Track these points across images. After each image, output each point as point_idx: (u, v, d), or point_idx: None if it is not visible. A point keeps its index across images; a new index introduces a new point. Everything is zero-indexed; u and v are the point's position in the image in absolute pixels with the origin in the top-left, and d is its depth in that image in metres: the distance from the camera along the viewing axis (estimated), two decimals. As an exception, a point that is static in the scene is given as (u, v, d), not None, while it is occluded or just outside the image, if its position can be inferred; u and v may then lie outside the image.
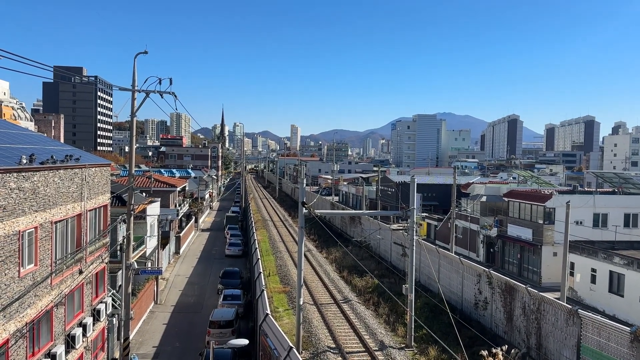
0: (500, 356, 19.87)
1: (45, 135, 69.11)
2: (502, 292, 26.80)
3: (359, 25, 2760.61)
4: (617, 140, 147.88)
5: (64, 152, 21.45)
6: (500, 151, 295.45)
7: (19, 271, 15.74)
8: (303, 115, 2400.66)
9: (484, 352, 20.03)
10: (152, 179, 50.43)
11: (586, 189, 71.96)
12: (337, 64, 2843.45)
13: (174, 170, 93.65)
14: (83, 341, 20.90)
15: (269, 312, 22.94)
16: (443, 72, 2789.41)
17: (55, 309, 18.55)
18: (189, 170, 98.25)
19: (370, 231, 51.43)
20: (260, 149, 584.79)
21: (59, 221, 18.82)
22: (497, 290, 27.43)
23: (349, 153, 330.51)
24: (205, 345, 26.98)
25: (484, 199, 51.74)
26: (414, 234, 27.15)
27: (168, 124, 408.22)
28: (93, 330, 22.35)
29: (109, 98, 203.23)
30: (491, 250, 48.08)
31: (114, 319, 26.97)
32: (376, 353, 24.73)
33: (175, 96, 21.95)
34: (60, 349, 18.34)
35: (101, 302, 23.91)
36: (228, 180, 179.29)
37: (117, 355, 26.92)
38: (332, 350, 24.99)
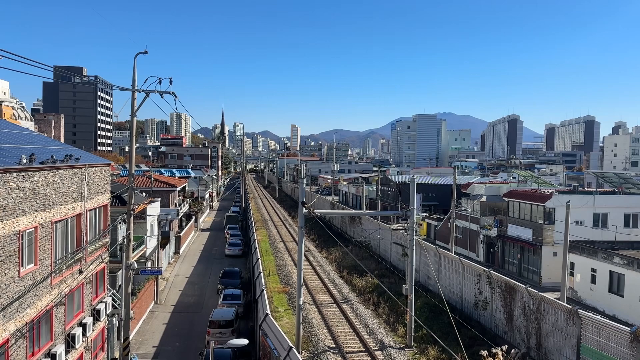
0: (500, 356, 19.90)
1: (45, 135, 69.14)
2: (502, 292, 26.80)
3: (359, 25, 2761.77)
4: (617, 140, 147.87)
5: (64, 152, 21.45)
6: (500, 151, 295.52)
7: (19, 271, 15.74)
8: (303, 115, 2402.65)
9: (484, 352, 20.07)
10: (152, 179, 50.41)
11: (586, 189, 71.96)
12: (337, 64, 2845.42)
13: (174, 170, 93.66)
14: (83, 341, 20.90)
15: (268, 312, 22.94)
16: (443, 72, 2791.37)
17: (55, 309, 18.55)
18: (189, 170, 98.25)
19: (370, 231, 51.44)
20: (260, 149, 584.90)
21: (59, 221, 18.82)
22: (497, 290, 27.43)
23: (349, 153, 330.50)
24: (205, 345, 26.98)
25: (484, 199, 51.75)
26: (414, 234, 27.14)
27: (168, 123, 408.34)
28: (93, 330, 22.35)
29: (109, 98, 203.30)
30: (491, 250, 48.08)
31: (114, 319, 26.98)
32: (376, 353, 24.74)
33: (175, 96, 21.96)
34: (60, 349, 18.34)
35: (101, 302, 23.91)
36: (228, 180, 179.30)
37: (117, 355, 26.92)
38: (332, 350, 24.99)
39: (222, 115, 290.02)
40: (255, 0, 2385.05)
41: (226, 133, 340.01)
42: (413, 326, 26.28)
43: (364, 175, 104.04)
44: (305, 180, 26.72)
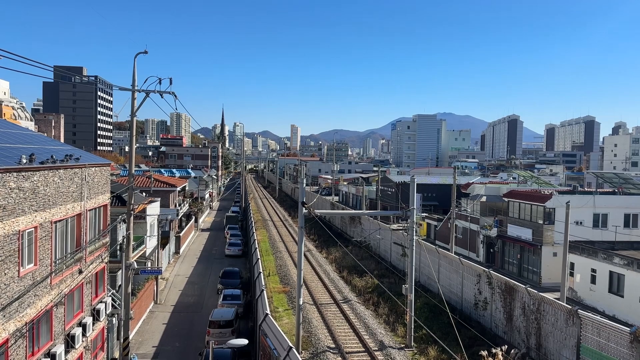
0: (500, 356, 19.90)
1: (45, 135, 69.16)
2: (502, 293, 26.79)
3: (359, 25, 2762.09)
4: (617, 140, 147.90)
5: (64, 151, 21.45)
6: (500, 151, 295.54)
7: (18, 271, 15.73)
8: (303, 115, 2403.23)
9: (484, 352, 20.07)
10: (152, 179, 50.40)
11: (586, 189, 71.97)
12: (337, 64, 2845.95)
13: (174, 170, 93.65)
14: (83, 341, 20.90)
15: (268, 312, 22.94)
16: (443, 72, 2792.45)
17: (54, 309, 18.55)
18: (189, 170, 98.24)
19: (370, 231, 51.44)
20: (260, 149, 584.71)
21: (59, 221, 18.82)
22: (497, 291, 27.43)
23: (349, 153, 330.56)
24: (205, 345, 26.98)
25: (484, 199, 51.75)
26: (414, 234, 27.14)
27: (168, 123, 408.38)
28: (93, 330, 22.35)
29: (109, 98, 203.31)
30: (491, 250, 48.08)
31: (114, 319, 26.98)
32: (376, 353, 24.74)
33: (175, 96, 21.95)
34: (60, 349, 18.34)
35: (101, 302, 23.91)
36: (228, 180, 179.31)
37: (116, 355, 26.92)
38: (331, 350, 24.99)
39: (222, 115, 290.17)
40: (255, 0, 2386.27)
41: (226, 133, 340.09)
42: (413, 326, 26.28)
43: (364, 176, 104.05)
44: (305, 180, 26.72)
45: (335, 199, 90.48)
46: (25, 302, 16.24)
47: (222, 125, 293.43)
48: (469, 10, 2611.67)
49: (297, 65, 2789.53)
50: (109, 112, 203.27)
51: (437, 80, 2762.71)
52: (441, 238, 54.89)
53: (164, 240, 45.12)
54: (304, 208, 24.95)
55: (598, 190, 58.11)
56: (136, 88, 21.81)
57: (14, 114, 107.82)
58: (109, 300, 25.21)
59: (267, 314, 22.32)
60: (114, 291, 28.06)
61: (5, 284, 14.92)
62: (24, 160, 16.15)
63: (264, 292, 25.83)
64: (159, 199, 43.96)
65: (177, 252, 55.00)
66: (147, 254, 36.71)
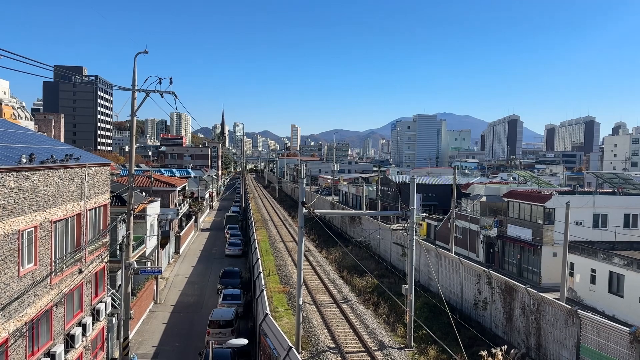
0: (500, 356, 19.90)
1: (45, 134, 69.17)
2: (502, 293, 26.80)
3: (359, 25, 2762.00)
4: (617, 140, 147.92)
5: (64, 151, 21.45)
6: (500, 151, 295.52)
7: (18, 270, 15.74)
8: (303, 115, 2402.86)
9: (484, 353, 20.08)
10: (152, 179, 50.40)
11: (586, 189, 71.99)
12: (337, 64, 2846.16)
13: (174, 170, 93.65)
14: (82, 341, 20.90)
15: (268, 311, 22.94)
16: (443, 72, 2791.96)
17: (54, 309, 18.55)
18: (189, 170, 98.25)
19: (370, 231, 51.45)
20: (260, 149, 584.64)
21: (59, 220, 18.82)
22: (496, 291, 27.43)
23: (349, 153, 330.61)
24: (204, 345, 26.98)
25: (483, 199, 51.75)
26: (414, 234, 27.15)
27: (168, 123, 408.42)
28: (92, 329, 22.35)
29: (109, 97, 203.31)
30: (491, 250, 48.08)
31: (114, 319, 26.98)
32: (376, 353, 24.74)
33: (176, 96, 21.95)
34: (59, 349, 18.34)
35: (101, 302, 23.91)
36: (228, 180, 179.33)
37: (116, 354, 26.92)
38: (331, 350, 24.99)
39: (222, 115, 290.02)
40: (255, 0, 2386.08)
41: (226, 133, 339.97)
42: (413, 326, 26.28)
43: (364, 176, 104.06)
44: (305, 180, 26.72)
45: (335, 199, 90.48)
46: (25, 301, 16.24)
47: (222, 125, 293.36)
48: (469, 10, 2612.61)
49: (297, 65, 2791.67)
50: (109, 112, 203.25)
51: (437, 80, 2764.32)
52: (441, 238, 54.89)
53: (163, 240, 45.12)
54: (304, 208, 24.96)
55: (598, 190, 58.12)
56: (136, 88, 21.81)
57: (14, 114, 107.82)
58: (108, 300, 25.21)
59: (267, 314, 22.32)
60: (114, 291, 28.05)
61: (5, 284, 14.92)
62: (24, 160, 16.15)
63: (264, 291, 25.84)
64: (159, 198, 43.95)
65: (177, 251, 55.01)
66: (147, 253, 36.72)
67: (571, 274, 35.80)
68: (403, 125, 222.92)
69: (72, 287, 20.06)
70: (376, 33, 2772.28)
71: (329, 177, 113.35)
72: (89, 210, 21.97)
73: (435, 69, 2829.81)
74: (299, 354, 21.58)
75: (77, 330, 20.15)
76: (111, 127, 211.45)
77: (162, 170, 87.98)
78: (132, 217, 22.66)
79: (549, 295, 24.04)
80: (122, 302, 23.74)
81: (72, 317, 20.55)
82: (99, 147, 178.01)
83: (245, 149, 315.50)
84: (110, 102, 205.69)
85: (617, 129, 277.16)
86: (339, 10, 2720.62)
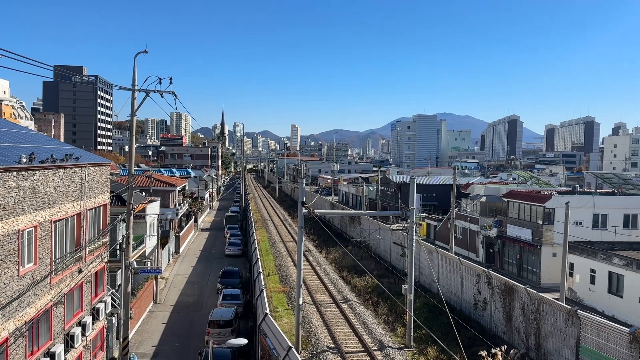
0: (500, 356, 19.90)
1: (45, 134, 69.11)
2: (502, 293, 26.80)
3: (359, 25, 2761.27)
4: (617, 141, 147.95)
5: (64, 151, 21.45)
6: (500, 151, 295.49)
7: (18, 270, 15.74)
8: (303, 115, 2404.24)
9: (483, 353, 20.08)
10: (152, 179, 50.38)
11: (586, 189, 71.98)
12: (337, 64, 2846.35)
13: (174, 170, 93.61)
14: (82, 340, 20.90)
15: (268, 311, 22.94)
16: (443, 72, 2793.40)
17: (54, 308, 18.55)
18: (189, 170, 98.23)
19: (370, 231, 51.45)
20: (260, 149, 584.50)
21: (59, 220, 18.82)
22: (496, 291, 27.44)
23: (349, 153, 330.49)
24: (204, 345, 26.97)
25: (483, 199, 51.74)
26: (414, 234, 27.15)
27: (168, 123, 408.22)
28: (92, 329, 22.35)
29: (109, 97, 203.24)
30: (491, 250, 48.08)
31: (113, 318, 26.97)
32: (375, 353, 24.74)
33: (175, 96, 21.94)
34: (59, 348, 18.34)
35: (100, 302, 23.91)
36: (228, 179, 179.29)
37: (116, 354, 26.91)
38: (331, 350, 25.00)
39: (222, 115, 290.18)
40: (255, 0, 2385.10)
41: (226, 133, 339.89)
42: (412, 326, 26.28)
43: (363, 176, 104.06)
44: (305, 180, 26.73)
45: (335, 199, 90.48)
46: (25, 301, 16.24)
47: (222, 125, 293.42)
48: (469, 10, 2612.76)
49: (297, 65, 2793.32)
50: (108, 112, 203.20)
51: (437, 80, 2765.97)
52: (441, 238, 54.88)
53: (163, 240, 45.10)
54: (303, 208, 24.96)
55: (598, 190, 58.10)
56: (136, 87, 21.80)
57: (13, 113, 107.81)
58: (108, 299, 25.21)
59: (266, 314, 22.33)
60: (114, 291, 28.05)
61: (4, 283, 14.93)
62: (24, 160, 16.15)
63: (264, 291, 25.84)
64: (159, 198, 43.95)
65: (176, 251, 55.00)
66: (146, 253, 36.70)
67: (571, 274, 35.80)
68: (403, 125, 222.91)
69: (71, 286, 20.06)
70: (376, 33, 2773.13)
71: (329, 177, 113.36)
72: (89, 210, 21.97)
73: (435, 69, 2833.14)
74: (298, 354, 21.58)
75: (77, 330, 20.15)
76: (111, 127, 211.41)
77: (162, 170, 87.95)
78: (131, 217, 22.65)
79: (549, 296, 24.05)
80: (122, 302, 23.73)
81: (72, 316, 20.56)
82: (98, 147, 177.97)
83: (245, 149, 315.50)
84: (110, 102, 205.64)
85: (617, 129, 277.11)
86: (339, 10, 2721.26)
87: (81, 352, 21.09)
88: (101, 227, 23.94)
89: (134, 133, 22.61)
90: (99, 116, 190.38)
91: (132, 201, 22.68)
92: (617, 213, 42.20)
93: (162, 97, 21.80)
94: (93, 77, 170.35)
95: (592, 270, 34.60)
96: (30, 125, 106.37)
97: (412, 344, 26.07)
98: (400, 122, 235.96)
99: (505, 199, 46.92)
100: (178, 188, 54.77)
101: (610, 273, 33.01)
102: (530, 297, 24.24)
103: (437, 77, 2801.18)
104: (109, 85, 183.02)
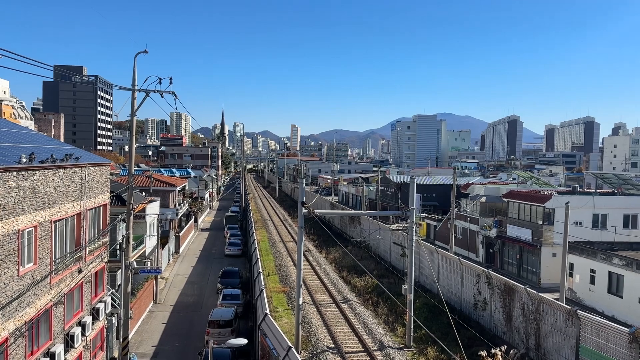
0: (499, 356, 19.90)
1: (45, 134, 69.10)
2: (501, 293, 26.81)
3: (359, 25, 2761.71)
4: (617, 141, 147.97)
5: (64, 151, 21.45)
6: (500, 152, 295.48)
7: (18, 270, 15.74)
8: (303, 115, 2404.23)
9: (483, 353, 20.08)
10: (152, 179, 50.39)
11: (586, 189, 71.96)
12: (337, 64, 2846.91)
13: (174, 170, 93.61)
14: (82, 340, 20.90)
15: (268, 311, 22.95)
16: (443, 72, 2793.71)
17: (54, 308, 18.55)
18: (189, 170, 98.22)
19: (370, 231, 51.45)
20: (260, 149, 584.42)
21: (59, 220, 18.83)
22: (496, 291, 27.44)
23: (349, 153, 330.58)
24: (204, 345, 26.98)
25: (483, 199, 51.75)
26: (414, 234, 27.15)
27: (168, 123, 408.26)
28: (92, 329, 22.35)
29: (109, 97, 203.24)
30: (490, 250, 48.09)
31: (113, 318, 26.97)
32: (375, 353, 24.75)
33: (175, 96, 21.93)
34: (59, 348, 18.34)
35: (100, 301, 23.91)
36: (228, 180, 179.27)
37: (116, 354, 26.91)
38: (331, 350, 25.00)
39: (222, 115, 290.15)
40: (255, 0, 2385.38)
41: (226, 133, 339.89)
42: (412, 326, 26.29)
43: (363, 176, 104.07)
44: (305, 180, 26.74)
45: (335, 199, 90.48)
46: (25, 301, 16.25)
47: (222, 125, 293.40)
48: (469, 10, 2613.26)
49: (297, 65, 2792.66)
50: (108, 112, 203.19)
51: (437, 80, 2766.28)
52: (441, 238, 54.89)
53: (163, 240, 45.10)
54: (303, 208, 24.97)
55: (597, 190, 58.10)
56: (136, 87, 21.80)
57: (13, 113, 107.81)
58: (108, 299, 25.21)
59: (266, 314, 22.33)
60: (114, 290, 28.06)
61: (4, 283, 14.93)
62: (24, 160, 16.15)
63: (264, 291, 25.84)
64: (159, 198, 43.96)
65: (176, 251, 55.00)
66: (146, 253, 36.71)
67: (571, 275, 35.81)
68: (403, 125, 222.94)
69: (71, 286, 20.07)
70: (376, 33, 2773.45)
71: (329, 177, 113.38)
72: (89, 210, 21.98)
73: (435, 69, 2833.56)
74: (298, 354, 21.58)
75: (77, 330, 20.16)
76: (111, 126, 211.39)
77: (162, 170, 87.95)
78: (131, 217, 22.65)
79: (549, 296, 24.06)
80: (122, 302, 23.73)
81: (72, 316, 20.56)
82: (98, 147, 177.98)
83: (245, 149, 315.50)
84: (110, 101, 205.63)
85: (617, 129, 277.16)
86: (339, 10, 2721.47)
87: (81, 352, 21.09)
88: (101, 227, 23.94)
89: (134, 133, 22.61)
90: (99, 116, 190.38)
91: (132, 201, 22.68)
92: (617, 213, 42.21)
93: (162, 97, 21.80)
94: (93, 77, 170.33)
95: (592, 271, 34.60)
96: (30, 125, 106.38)
97: (412, 344, 26.08)
98: (400, 122, 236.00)
99: (505, 199, 46.93)
100: (178, 188, 54.78)
101: (610, 273, 33.02)
102: (530, 297, 24.24)
103: (437, 77, 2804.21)
104: (109, 85, 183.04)
